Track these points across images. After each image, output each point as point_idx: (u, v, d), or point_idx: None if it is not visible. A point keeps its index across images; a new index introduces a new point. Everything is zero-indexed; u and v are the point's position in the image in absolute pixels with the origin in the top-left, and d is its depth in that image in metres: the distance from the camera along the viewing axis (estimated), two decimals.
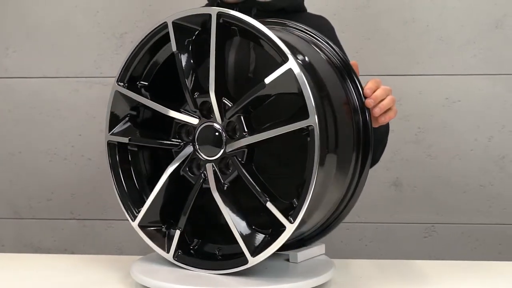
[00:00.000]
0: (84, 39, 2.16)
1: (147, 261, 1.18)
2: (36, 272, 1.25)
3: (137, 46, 1.16)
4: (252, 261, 1.05)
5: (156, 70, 1.19)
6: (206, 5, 1.53)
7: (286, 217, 1.01)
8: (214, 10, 1.07)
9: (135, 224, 1.17)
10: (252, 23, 1.04)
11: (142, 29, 2.14)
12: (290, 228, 1.01)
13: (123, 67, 1.18)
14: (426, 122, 2.08)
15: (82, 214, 2.21)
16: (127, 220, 1.19)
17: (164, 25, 1.12)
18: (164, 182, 1.13)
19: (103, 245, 2.20)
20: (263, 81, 1.03)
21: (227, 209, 1.07)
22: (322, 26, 1.48)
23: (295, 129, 1.00)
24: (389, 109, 1.17)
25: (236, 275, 1.08)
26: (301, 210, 1.00)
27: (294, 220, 1.00)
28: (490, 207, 2.09)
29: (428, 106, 2.07)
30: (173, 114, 1.14)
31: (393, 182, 2.11)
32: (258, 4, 1.42)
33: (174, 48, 1.12)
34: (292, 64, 1.00)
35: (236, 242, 1.07)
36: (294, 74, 0.99)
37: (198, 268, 1.11)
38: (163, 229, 1.17)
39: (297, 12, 1.50)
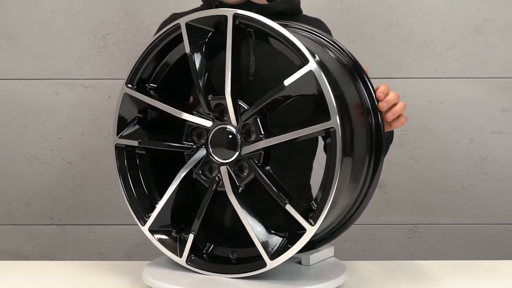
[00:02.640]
0: (65, 40, 2.10)
1: (157, 266, 1.16)
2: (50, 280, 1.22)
3: (147, 48, 1.15)
4: (271, 264, 1.04)
5: (165, 72, 1.17)
6: (201, 6, 1.51)
7: (306, 219, 1.01)
8: (230, 12, 1.06)
9: (145, 228, 1.15)
10: (271, 25, 1.04)
11: (124, 31, 2.10)
12: (310, 231, 1.01)
13: (132, 69, 1.16)
14: (410, 125, 2.08)
15: (62, 219, 2.15)
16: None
17: (177, 27, 1.11)
18: (176, 186, 1.12)
19: (84, 250, 2.15)
20: (282, 83, 1.02)
21: (244, 212, 1.06)
22: (320, 28, 1.48)
23: (316, 131, 1.00)
24: (400, 115, 1.18)
25: (251, 278, 1.07)
26: (323, 213, 1.00)
27: (315, 222, 1.00)
28: (471, 208, 2.14)
29: (412, 109, 2.08)
30: (186, 116, 1.12)
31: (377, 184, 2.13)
32: (256, 7, 1.41)
33: (187, 49, 1.10)
34: (312, 65, 1.00)
35: (251, 245, 1.06)
36: (315, 76, 0.99)
37: (213, 272, 1.10)
38: (174, 234, 1.15)
39: (294, 15, 1.50)
